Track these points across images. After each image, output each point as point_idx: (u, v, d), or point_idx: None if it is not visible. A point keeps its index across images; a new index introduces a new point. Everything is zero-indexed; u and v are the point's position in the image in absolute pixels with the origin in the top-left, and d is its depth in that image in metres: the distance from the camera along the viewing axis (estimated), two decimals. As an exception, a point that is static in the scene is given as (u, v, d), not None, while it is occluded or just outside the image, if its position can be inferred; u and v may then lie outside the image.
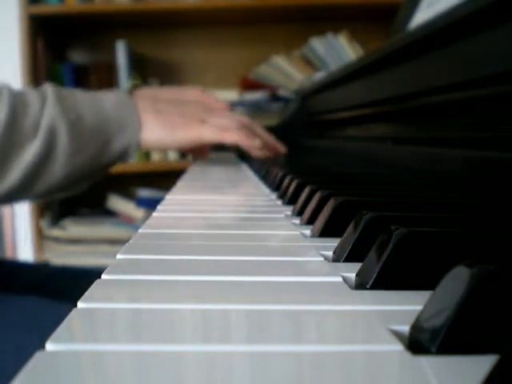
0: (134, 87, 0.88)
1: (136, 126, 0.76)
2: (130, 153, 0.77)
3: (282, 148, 0.92)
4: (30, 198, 0.76)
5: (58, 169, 0.71)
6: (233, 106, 1.99)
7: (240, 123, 0.83)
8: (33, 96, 0.70)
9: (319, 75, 1.50)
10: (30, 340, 0.63)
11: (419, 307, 0.19)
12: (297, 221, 0.40)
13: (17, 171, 0.68)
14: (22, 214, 2.06)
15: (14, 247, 2.11)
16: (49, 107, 0.70)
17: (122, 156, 0.77)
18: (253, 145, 0.82)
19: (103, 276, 0.25)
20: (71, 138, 0.70)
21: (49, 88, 0.72)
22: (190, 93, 0.90)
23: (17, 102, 0.68)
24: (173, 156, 2.05)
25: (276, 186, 0.56)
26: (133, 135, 0.76)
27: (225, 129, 0.80)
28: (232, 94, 2.04)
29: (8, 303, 0.71)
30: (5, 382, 0.56)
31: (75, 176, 0.74)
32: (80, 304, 0.21)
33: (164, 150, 0.81)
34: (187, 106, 0.82)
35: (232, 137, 0.81)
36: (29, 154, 0.68)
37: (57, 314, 0.64)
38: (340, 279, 0.25)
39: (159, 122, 0.78)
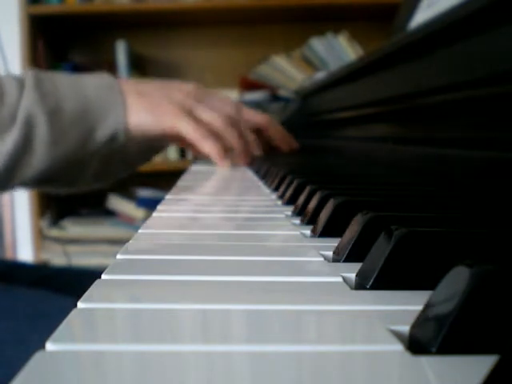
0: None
1: (121, 109, 0.72)
2: (120, 138, 0.73)
3: (256, 150, 0.86)
4: (11, 188, 0.74)
5: (38, 158, 0.69)
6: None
7: (227, 122, 0.79)
8: (10, 84, 0.68)
9: (319, 75, 1.50)
10: (33, 331, 0.63)
11: (419, 307, 0.19)
12: (297, 221, 0.40)
13: None
14: (22, 214, 2.06)
15: (14, 247, 2.11)
16: (26, 95, 0.67)
17: (111, 142, 0.73)
18: (223, 164, 0.78)
19: (103, 276, 0.25)
20: (50, 126, 0.68)
21: (28, 73, 0.70)
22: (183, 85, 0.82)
23: None
24: (173, 156, 2.06)
25: (276, 186, 0.56)
26: (119, 119, 0.72)
27: (204, 136, 0.75)
28: (232, 94, 2.04)
29: (14, 294, 0.71)
30: (8, 372, 0.56)
31: (60, 165, 0.71)
32: (80, 304, 0.21)
33: (147, 136, 0.77)
34: (173, 89, 0.77)
35: (206, 148, 0.76)
36: (6, 144, 0.66)
37: (62, 306, 0.64)
38: (340, 279, 0.25)
39: (142, 105, 0.73)
